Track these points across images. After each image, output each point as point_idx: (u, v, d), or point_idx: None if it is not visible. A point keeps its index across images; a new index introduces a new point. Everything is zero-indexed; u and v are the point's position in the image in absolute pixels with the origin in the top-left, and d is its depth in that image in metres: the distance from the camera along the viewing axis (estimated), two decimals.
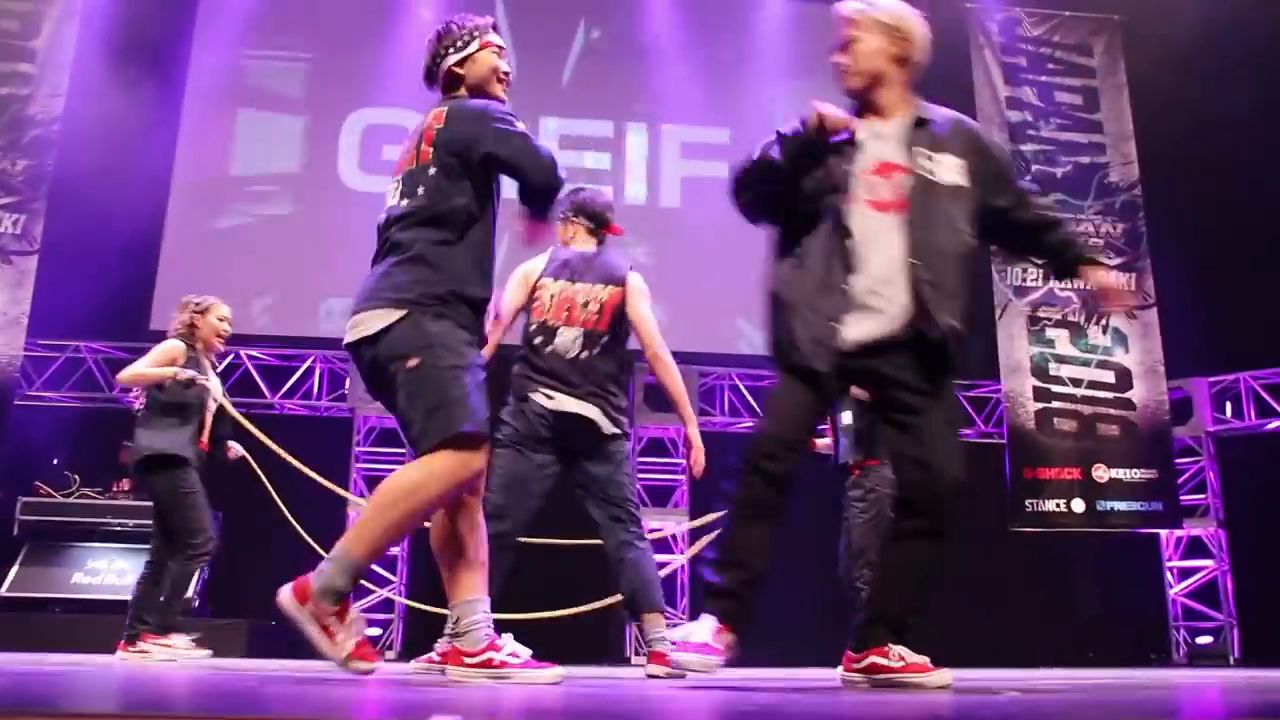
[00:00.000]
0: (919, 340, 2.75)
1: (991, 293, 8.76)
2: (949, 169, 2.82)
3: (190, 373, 5.07)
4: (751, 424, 8.98)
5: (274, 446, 6.51)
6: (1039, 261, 3.17)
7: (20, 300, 7.87)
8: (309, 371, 8.68)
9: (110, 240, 8.20)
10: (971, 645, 6.51)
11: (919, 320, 2.73)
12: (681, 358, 8.62)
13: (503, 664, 2.59)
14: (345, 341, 2.77)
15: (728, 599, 2.76)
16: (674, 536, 8.62)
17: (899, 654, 2.78)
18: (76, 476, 7.52)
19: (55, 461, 7.78)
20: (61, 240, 8.03)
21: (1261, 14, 8.33)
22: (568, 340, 3.96)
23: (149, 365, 5.08)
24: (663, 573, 8.25)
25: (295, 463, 6.52)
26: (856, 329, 2.74)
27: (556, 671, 2.67)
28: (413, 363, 2.62)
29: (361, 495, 8.46)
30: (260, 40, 9.06)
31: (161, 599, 5.09)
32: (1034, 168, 8.94)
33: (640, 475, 8.70)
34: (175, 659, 4.86)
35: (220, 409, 5.42)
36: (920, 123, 2.87)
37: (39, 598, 6.99)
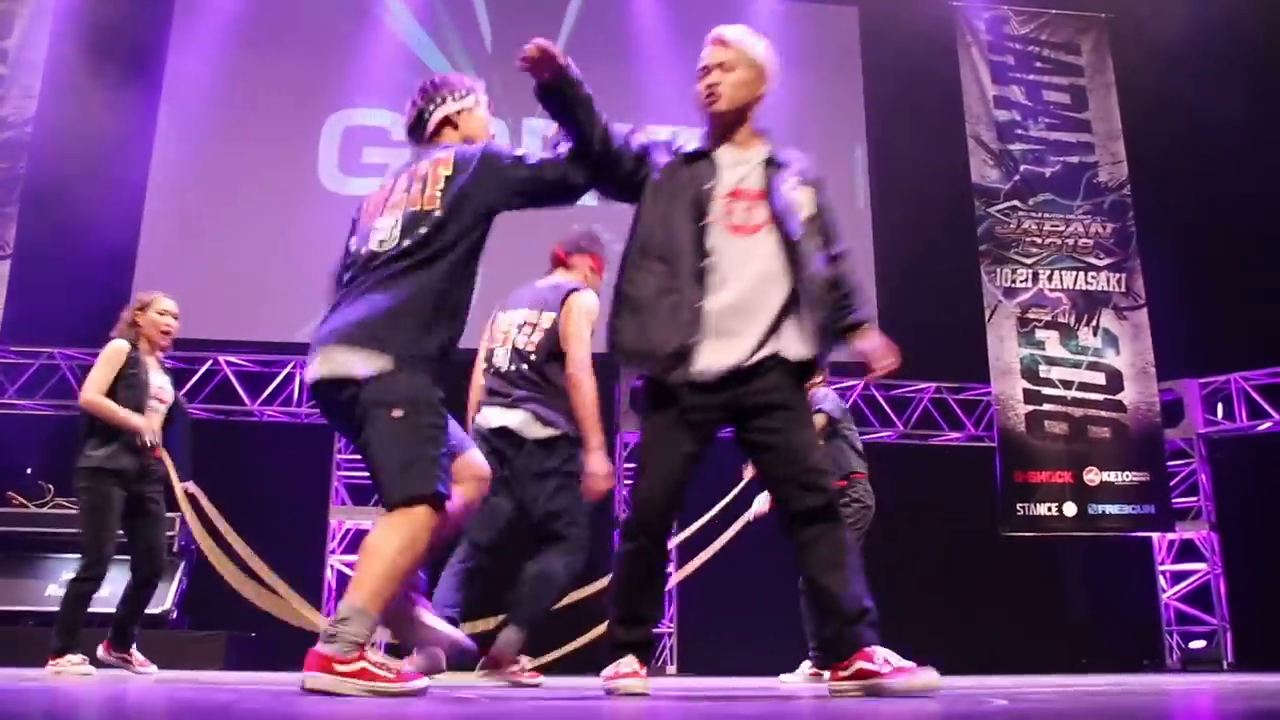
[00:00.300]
0: (778, 362, 2.85)
1: (980, 294, 8.69)
2: (805, 200, 2.94)
3: (149, 435, 4.88)
4: None
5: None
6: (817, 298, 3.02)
7: None
8: (289, 378, 8.51)
9: (85, 245, 8.00)
10: (961, 651, 6.50)
11: (778, 344, 2.84)
12: None
13: (374, 675, 2.54)
14: (319, 375, 2.74)
15: (641, 648, 2.93)
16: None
17: (884, 657, 2.74)
18: (51, 486, 7.34)
19: (29, 471, 7.62)
20: (35, 245, 7.87)
21: (1250, 12, 8.28)
22: (501, 358, 4.16)
23: (102, 383, 4.86)
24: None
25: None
26: (713, 357, 2.81)
27: (423, 683, 2.66)
28: (397, 413, 2.65)
29: (343, 504, 8.31)
30: (238, 41, 8.87)
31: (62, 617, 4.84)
32: (1022, 168, 8.87)
33: (626, 482, 8.55)
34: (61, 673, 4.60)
35: (174, 408, 5.13)
36: (773, 160, 2.96)
37: (11, 610, 6.83)
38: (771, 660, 7.09)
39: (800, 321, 2.84)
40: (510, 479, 4.04)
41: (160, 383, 5.02)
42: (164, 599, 6.80)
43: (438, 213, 2.77)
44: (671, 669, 8.17)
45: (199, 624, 7.18)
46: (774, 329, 2.83)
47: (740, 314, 2.81)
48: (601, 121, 2.84)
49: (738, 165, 2.91)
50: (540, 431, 4.02)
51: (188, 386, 8.27)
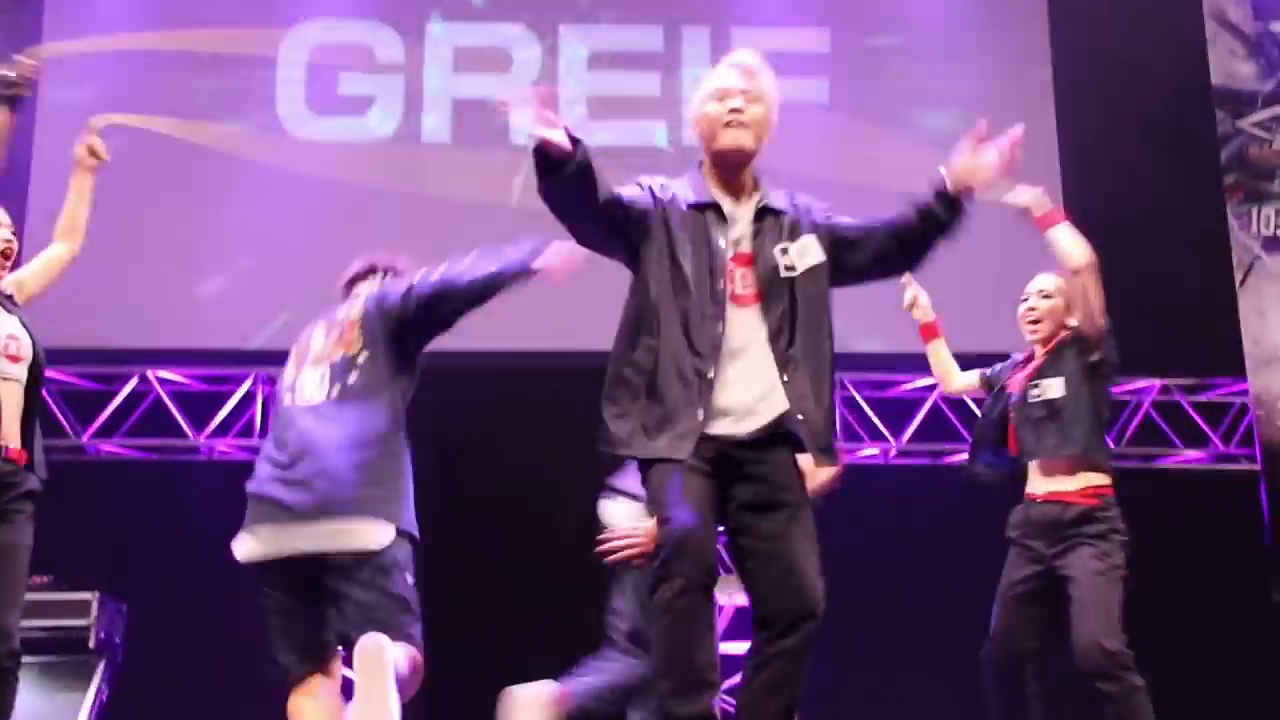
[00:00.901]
0: (782, 438, 2.68)
1: (1228, 248, 6.54)
2: (808, 250, 2.73)
3: None
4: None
5: None
6: (923, 233, 2.79)
7: None
8: (247, 399, 6.66)
9: None
10: None
11: (783, 420, 2.65)
12: None
13: None
14: (322, 549, 2.87)
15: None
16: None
17: None
18: None
19: None
20: None
21: None
22: None
23: None
24: None
25: None
26: (719, 428, 2.63)
27: None
28: (410, 579, 2.93)
29: None
30: None
31: None
32: None
33: None
34: None
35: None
36: (768, 209, 2.76)
37: None
38: None
39: (808, 400, 2.67)
40: None
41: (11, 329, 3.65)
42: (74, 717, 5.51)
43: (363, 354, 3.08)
44: None
45: None
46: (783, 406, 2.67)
47: (745, 391, 2.65)
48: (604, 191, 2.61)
49: (737, 222, 2.74)
50: None
51: (105, 415, 6.62)
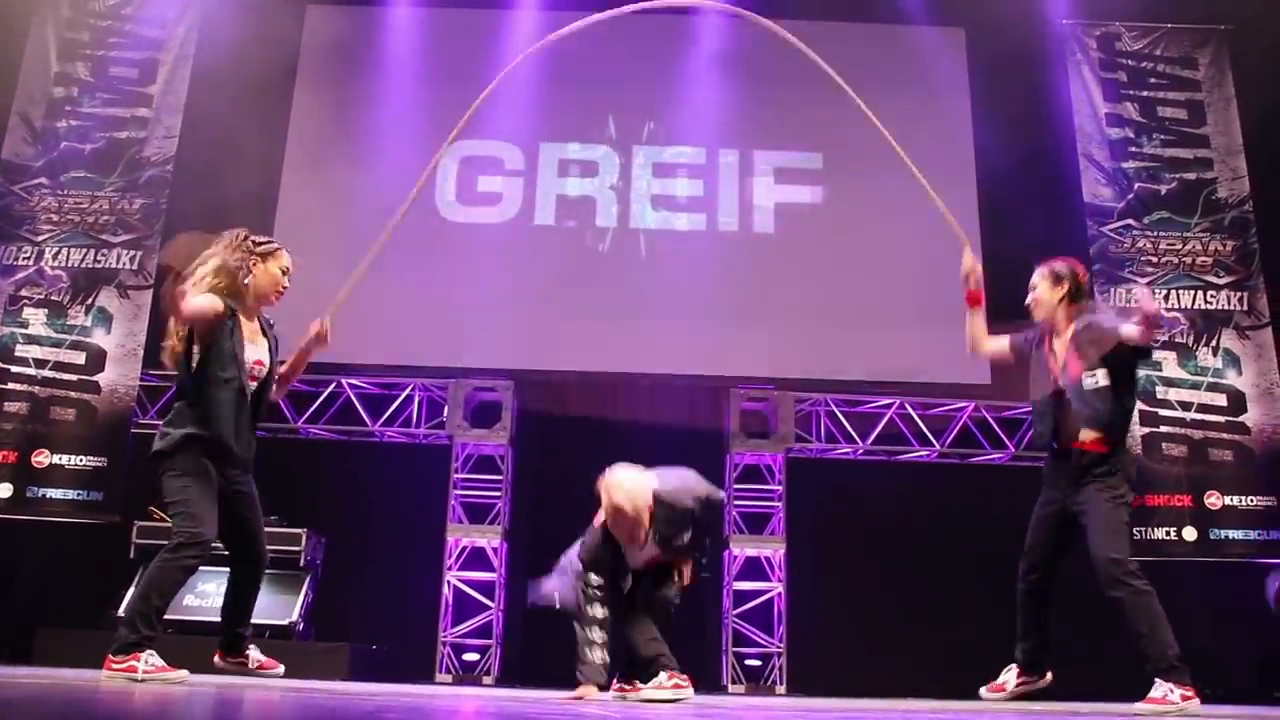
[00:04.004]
0: None
1: None
2: None
3: None
4: (849, 450, 8.92)
5: None
6: None
7: (136, 332, 8.21)
8: (408, 399, 8.83)
9: None
10: (1077, 676, 6.34)
11: None
12: (777, 384, 8.74)
13: None
14: None
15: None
16: (769, 563, 8.55)
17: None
18: None
19: None
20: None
21: None
22: None
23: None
24: (760, 600, 8.43)
25: None
26: None
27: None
28: None
29: (460, 522, 8.57)
30: (358, 85, 9.30)
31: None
32: (1136, 185, 8.71)
33: (736, 503, 8.66)
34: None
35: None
36: None
37: None
38: (882, 680, 7.09)
39: None
40: None
41: (259, 354, 4.35)
42: (291, 611, 7.22)
43: None
44: (781, 689, 8.22)
45: (323, 635, 7.48)
46: None
47: None
48: None
49: None
50: None
51: (311, 409, 8.72)
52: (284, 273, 4.41)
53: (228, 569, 4.46)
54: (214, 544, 4.16)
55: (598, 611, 4.17)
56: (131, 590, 4.35)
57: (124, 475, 7.95)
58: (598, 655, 4.06)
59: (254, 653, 4.46)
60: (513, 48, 9.44)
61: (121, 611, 4.04)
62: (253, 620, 4.51)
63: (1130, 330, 4.13)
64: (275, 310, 4.48)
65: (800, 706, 4.36)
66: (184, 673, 4.06)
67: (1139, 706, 4.10)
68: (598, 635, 4.11)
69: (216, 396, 4.14)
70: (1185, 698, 3.97)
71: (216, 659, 4.44)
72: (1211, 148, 8.84)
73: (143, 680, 3.91)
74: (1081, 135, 8.82)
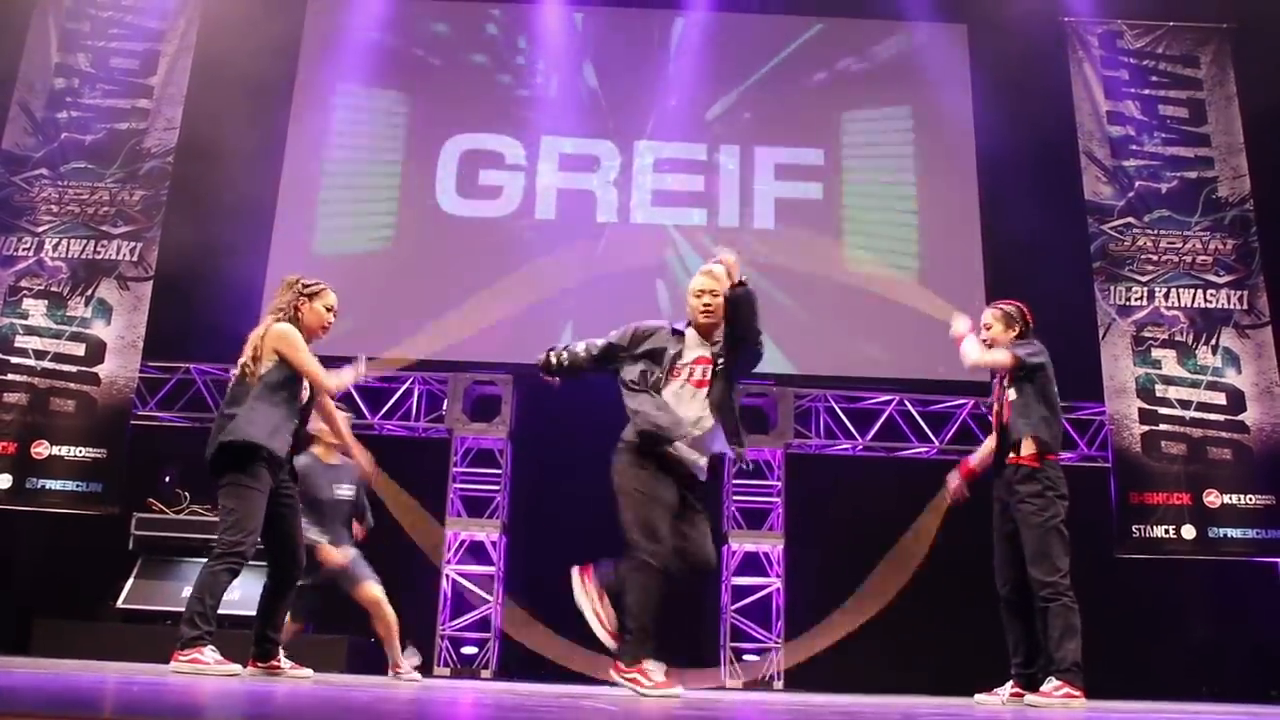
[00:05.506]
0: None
1: (1094, 312, 8.57)
2: None
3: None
4: (848, 446, 8.93)
5: None
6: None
7: (136, 324, 8.24)
8: (407, 393, 8.85)
9: (220, 266, 8.38)
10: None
11: None
12: (776, 379, 8.73)
13: None
14: None
15: None
16: (768, 558, 8.57)
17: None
18: (187, 493, 7.77)
19: (167, 479, 8.04)
20: (174, 266, 8.34)
21: None
22: None
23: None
24: (758, 595, 8.42)
25: None
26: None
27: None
28: None
29: (459, 515, 8.59)
30: (359, 77, 9.28)
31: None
32: (1137, 184, 8.73)
33: (735, 498, 8.69)
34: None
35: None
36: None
37: (152, 611, 7.23)
38: (880, 675, 7.10)
39: None
40: None
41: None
42: None
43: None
44: (778, 685, 8.23)
45: (322, 628, 7.42)
46: None
47: None
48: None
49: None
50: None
51: (387, 405, 8.79)
52: (329, 310, 4.74)
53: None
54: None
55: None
56: (187, 591, 4.64)
57: (123, 467, 7.95)
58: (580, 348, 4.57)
59: (284, 661, 4.66)
60: (512, 40, 9.53)
61: (182, 610, 4.39)
62: (247, 612, 4.65)
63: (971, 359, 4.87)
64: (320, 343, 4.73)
65: (798, 702, 4.36)
66: (238, 666, 4.34)
67: (1030, 699, 4.49)
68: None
69: (281, 411, 4.51)
70: (1071, 696, 4.36)
71: (249, 667, 4.57)
72: (1212, 146, 8.86)
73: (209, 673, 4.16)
74: (1082, 133, 8.85)
